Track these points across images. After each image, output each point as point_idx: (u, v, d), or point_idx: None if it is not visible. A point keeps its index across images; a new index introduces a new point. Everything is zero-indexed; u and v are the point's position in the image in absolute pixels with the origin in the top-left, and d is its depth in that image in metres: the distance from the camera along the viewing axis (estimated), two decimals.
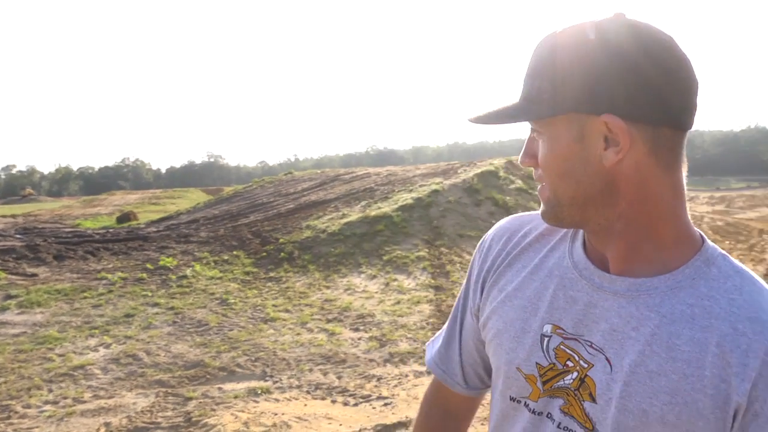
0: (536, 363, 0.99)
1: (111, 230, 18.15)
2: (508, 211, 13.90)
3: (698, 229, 0.96)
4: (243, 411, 5.17)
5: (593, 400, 0.92)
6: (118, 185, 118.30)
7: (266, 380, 5.95)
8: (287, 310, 8.51)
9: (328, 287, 9.86)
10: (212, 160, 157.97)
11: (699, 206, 29.15)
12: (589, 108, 0.87)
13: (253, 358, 6.52)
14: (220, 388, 5.75)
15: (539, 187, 0.97)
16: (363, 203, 14.97)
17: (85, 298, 9.09)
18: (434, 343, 1.28)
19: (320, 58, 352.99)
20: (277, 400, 5.45)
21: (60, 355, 6.67)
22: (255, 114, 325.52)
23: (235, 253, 11.92)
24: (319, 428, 4.87)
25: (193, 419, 5.02)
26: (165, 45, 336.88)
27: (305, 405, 5.34)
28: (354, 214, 13.91)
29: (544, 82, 0.89)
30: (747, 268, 0.94)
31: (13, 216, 30.13)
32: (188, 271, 10.53)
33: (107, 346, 6.98)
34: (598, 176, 0.89)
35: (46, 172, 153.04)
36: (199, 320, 7.98)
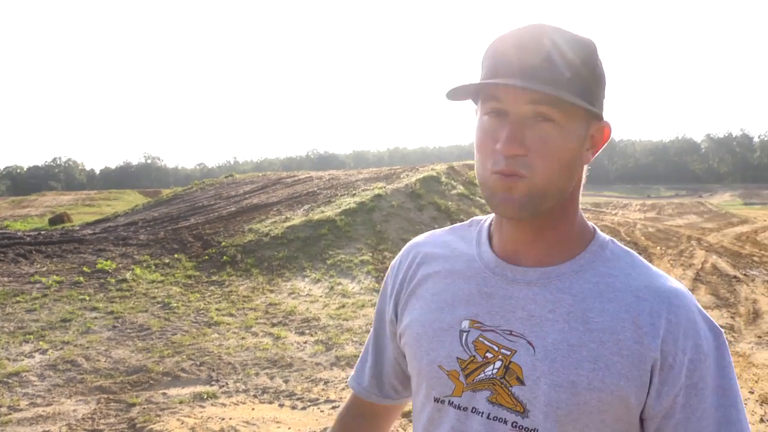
0: (457, 358, 1.02)
1: (43, 232, 17.51)
2: (450, 216, 14.11)
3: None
4: (189, 416, 5.10)
5: (521, 383, 0.96)
6: (48, 186, 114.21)
7: (212, 385, 5.88)
8: (231, 314, 8.42)
9: (272, 291, 9.79)
10: (149, 161, 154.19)
11: (632, 213, 30.24)
12: (600, 111, 0.99)
13: (198, 363, 6.43)
14: (164, 394, 5.65)
15: (502, 179, 0.93)
16: (306, 207, 14.92)
17: (18, 302, 8.76)
18: (354, 374, 1.33)
19: (259, 60, 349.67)
20: (224, 405, 5.39)
21: None
22: (193, 115, 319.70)
23: (176, 256, 11.71)
24: None
25: (138, 425, 4.92)
26: (102, 41, 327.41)
27: (253, 409, 5.30)
28: (297, 217, 13.85)
29: (577, 74, 0.93)
30: (634, 252, 1.05)
31: None
32: (128, 275, 10.28)
33: (43, 352, 6.76)
34: (580, 173, 1.01)
35: None
36: (140, 324, 7.81)
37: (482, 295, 1.04)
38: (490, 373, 0.99)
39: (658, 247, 15.77)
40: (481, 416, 0.99)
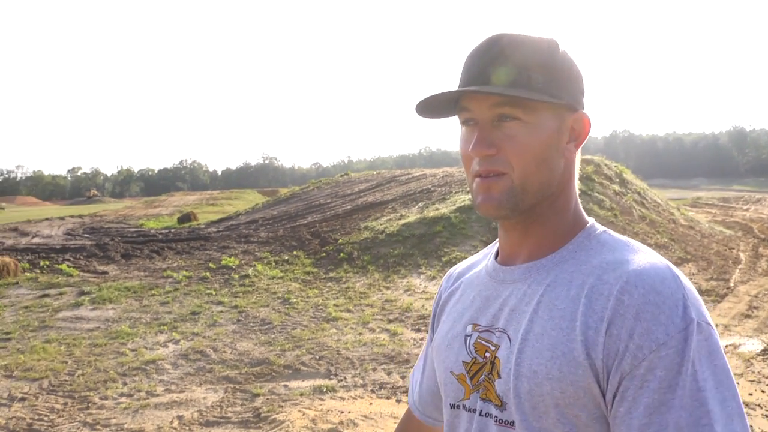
0: (462, 361, 1.05)
1: (173, 230, 18.64)
2: None
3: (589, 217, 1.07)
4: (310, 408, 5.25)
5: (499, 376, 0.97)
6: (176, 186, 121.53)
7: (331, 379, 6.03)
8: (348, 310, 8.60)
9: (388, 288, 9.91)
10: (267, 161, 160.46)
11: (766, 209, 28.05)
12: (574, 102, 1.00)
13: (317, 357, 6.61)
14: (285, 386, 5.85)
15: (482, 180, 0.98)
16: (420, 204, 14.98)
17: (153, 295, 9.37)
18: (414, 371, 1.37)
19: (372, 58, 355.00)
20: (342, 399, 5.51)
21: (132, 350, 6.90)
22: (308, 116, 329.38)
23: (294, 253, 12.10)
24: (386, 427, 4.90)
25: (262, 415, 5.12)
26: (220, 49, 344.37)
27: (371, 404, 5.39)
28: (412, 215, 13.94)
29: (535, 72, 0.96)
30: (633, 240, 1.00)
31: (80, 216, 31.25)
32: (250, 271, 10.74)
33: (176, 342, 7.19)
34: (562, 167, 1.01)
35: (108, 174, 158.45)
36: (262, 319, 8.13)
37: (481, 300, 1.07)
38: (486, 370, 1.01)
39: None
40: (480, 414, 1.01)
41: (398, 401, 5.46)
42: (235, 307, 8.73)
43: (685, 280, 0.91)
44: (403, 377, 6.04)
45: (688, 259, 12.67)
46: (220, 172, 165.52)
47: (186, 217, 25.69)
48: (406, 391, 5.67)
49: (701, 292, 9.35)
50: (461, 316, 1.10)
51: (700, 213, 23.39)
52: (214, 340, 7.27)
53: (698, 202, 31.34)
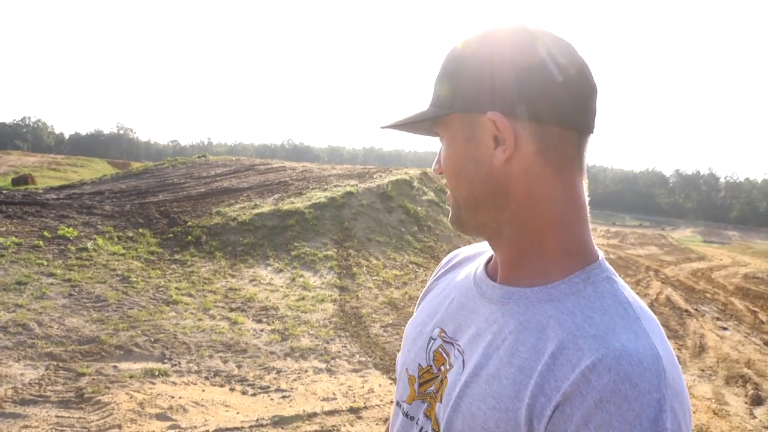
0: (419, 364, 1.00)
1: (5, 192, 17.20)
2: (418, 221, 14.24)
3: (600, 249, 0.93)
4: (139, 391, 5.10)
5: (441, 400, 0.91)
6: (14, 145, 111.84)
7: (164, 362, 5.88)
8: (190, 295, 8.40)
9: (233, 276, 9.78)
10: (122, 131, 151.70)
11: (596, 238, 30.34)
12: (474, 106, 0.88)
13: (152, 339, 6.42)
14: (115, 367, 5.64)
15: (448, 193, 0.98)
16: (276, 196, 14.90)
17: None
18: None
19: (242, 43, 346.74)
20: (174, 384, 5.40)
21: None
22: (170, 90, 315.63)
23: (140, 230, 11.61)
24: (216, 415, 4.87)
25: (86, 396, 4.91)
26: (85, 3, 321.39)
27: (203, 390, 5.32)
28: (266, 205, 13.83)
29: (443, 86, 0.92)
30: (636, 299, 0.87)
31: None
32: (89, 244, 10.17)
33: None
34: (489, 177, 0.89)
35: None
36: (97, 295, 7.75)
37: (458, 306, 0.99)
38: (434, 386, 0.95)
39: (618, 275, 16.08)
40: (418, 428, 0.96)
41: (231, 390, 5.44)
42: (69, 280, 8.23)
43: (674, 379, 0.76)
44: (239, 366, 6.02)
45: None
46: (67, 136, 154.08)
47: (22, 179, 23.81)
48: (240, 381, 5.66)
49: None
50: (434, 314, 1.03)
51: None
52: (40, 313, 6.82)
53: None
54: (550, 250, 0.89)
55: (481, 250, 1.11)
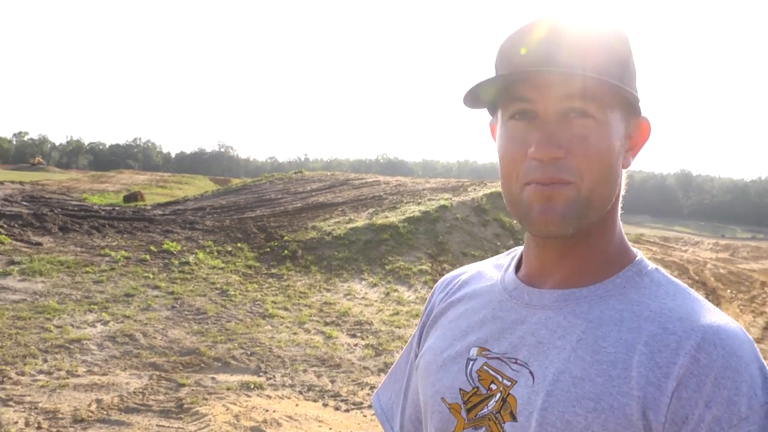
0: (459, 389, 0.89)
1: (117, 208, 18.22)
2: (513, 235, 13.92)
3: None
4: (234, 404, 5.18)
5: (514, 418, 0.82)
6: (126, 164, 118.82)
7: (260, 375, 5.96)
8: (286, 308, 8.52)
9: (328, 290, 9.87)
10: (222, 150, 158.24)
11: (703, 251, 29.11)
12: (637, 107, 0.86)
13: (248, 352, 6.53)
14: (213, 378, 5.76)
15: (542, 188, 0.81)
16: (370, 210, 14.99)
17: (87, 272, 9.11)
18: (380, 394, 1.16)
19: (338, 60, 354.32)
20: (269, 397, 5.45)
21: (57, 327, 6.69)
22: (269, 109, 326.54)
23: (239, 245, 11.95)
24: (309, 430, 4.87)
25: (185, 406, 5.03)
26: (188, 31, 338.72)
27: (297, 405, 5.34)
28: (361, 220, 13.93)
29: (610, 61, 0.82)
30: (686, 285, 0.87)
31: (21, 183, 30.24)
32: (191, 258, 10.55)
33: (105, 323, 7.00)
34: (620, 178, 0.87)
35: (57, 143, 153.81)
36: (197, 308, 7.99)
37: (495, 320, 0.91)
38: (490, 407, 0.86)
39: (729, 291, 15.13)
40: None
41: (325, 405, 5.43)
42: (172, 293, 8.55)
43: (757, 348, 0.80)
44: (332, 381, 6.01)
45: None
46: (173, 155, 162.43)
47: (133, 196, 25.12)
48: (334, 396, 5.64)
49: None
50: (464, 335, 0.94)
51: (642, 249, 23.99)
52: (146, 324, 7.10)
53: (640, 239, 32.15)
54: (613, 250, 0.89)
55: (480, 268, 1.06)
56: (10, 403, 4.82)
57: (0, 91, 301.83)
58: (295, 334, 7.41)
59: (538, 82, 0.80)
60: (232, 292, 8.93)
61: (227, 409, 5.03)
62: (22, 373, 5.41)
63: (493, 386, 0.86)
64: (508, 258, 1.03)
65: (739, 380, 0.73)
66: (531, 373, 0.83)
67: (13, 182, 29.90)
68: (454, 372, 0.91)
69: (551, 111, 0.80)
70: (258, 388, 5.61)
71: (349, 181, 20.98)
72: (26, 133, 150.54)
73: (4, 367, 5.47)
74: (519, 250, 1.02)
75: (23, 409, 4.73)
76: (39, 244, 10.91)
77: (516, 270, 0.96)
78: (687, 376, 0.74)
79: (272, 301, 8.75)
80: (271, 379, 5.90)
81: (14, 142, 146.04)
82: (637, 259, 0.89)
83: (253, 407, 5.15)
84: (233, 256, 11.28)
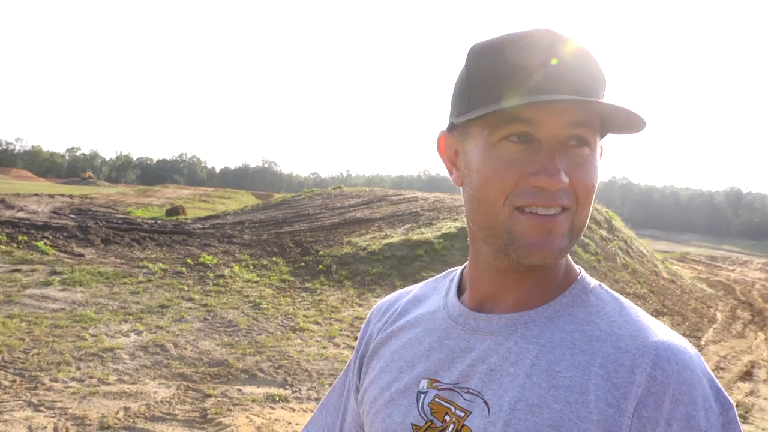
0: (412, 424, 0.87)
1: (159, 221, 18.61)
2: None
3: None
4: (258, 415, 5.22)
5: None
6: (172, 179, 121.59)
7: (286, 388, 5.99)
8: (317, 323, 8.57)
9: (360, 305, 9.89)
10: (266, 165, 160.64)
11: (752, 271, 28.22)
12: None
13: (276, 365, 6.58)
14: (239, 390, 5.81)
15: (549, 219, 0.79)
16: (407, 226, 15.00)
17: (125, 284, 9.32)
18: (310, 428, 1.13)
19: (385, 78, 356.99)
20: (293, 410, 5.48)
21: (93, 336, 6.85)
22: (313, 125, 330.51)
23: (274, 259, 12.08)
24: None
25: (209, 416, 5.08)
26: (233, 51, 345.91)
27: None
28: (396, 236, 13.94)
29: (601, 89, 0.80)
30: (623, 297, 0.86)
31: (71, 196, 31.14)
32: (226, 271, 10.70)
33: (138, 333, 7.14)
34: None
35: (107, 158, 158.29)
36: (229, 320, 8.09)
37: (442, 349, 0.89)
38: None
39: None
40: None
41: None
42: (205, 305, 8.69)
43: None
44: None
45: (664, 312, 12.69)
46: (218, 170, 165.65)
47: (174, 210, 25.64)
48: None
49: None
50: (411, 366, 0.91)
51: (686, 268, 23.47)
52: (177, 335, 7.22)
53: (686, 257, 31.45)
54: (559, 274, 0.87)
55: (417, 293, 1.03)
56: (42, 408, 4.94)
57: (54, 108, 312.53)
58: (324, 348, 7.43)
59: (549, 107, 0.77)
60: (265, 306, 9.02)
61: (250, 421, 5.07)
62: (55, 380, 5.55)
63: (447, 418, 0.84)
64: (446, 281, 1.00)
65: (695, 394, 0.73)
66: (485, 402, 0.81)
67: (63, 195, 30.83)
68: (404, 406, 0.89)
69: (553, 137, 0.78)
70: (283, 401, 5.64)
71: (387, 196, 21.04)
72: (78, 149, 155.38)
73: (38, 374, 5.62)
74: (457, 271, 1.00)
75: (53, 415, 4.85)
76: (81, 255, 11.22)
77: (457, 294, 0.94)
78: (645, 395, 0.73)
79: (304, 315, 8.81)
80: (296, 392, 5.93)
81: (67, 158, 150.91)
82: (580, 276, 0.88)
83: (276, 419, 5.18)
84: (268, 269, 11.41)
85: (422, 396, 0.87)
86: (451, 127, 0.89)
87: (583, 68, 0.78)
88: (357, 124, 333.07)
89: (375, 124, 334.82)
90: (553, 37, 0.79)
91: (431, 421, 0.85)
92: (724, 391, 0.77)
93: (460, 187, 0.90)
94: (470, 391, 0.83)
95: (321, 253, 12.64)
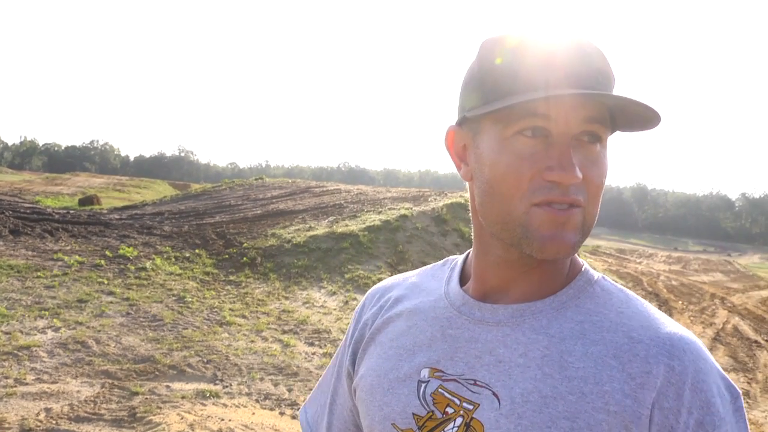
0: (413, 414, 0.85)
1: (72, 211, 17.79)
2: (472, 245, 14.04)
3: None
4: (189, 413, 5.10)
5: None
6: (83, 167, 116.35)
7: (216, 384, 5.89)
8: (244, 316, 8.44)
9: (287, 298, 9.81)
10: (183, 154, 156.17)
11: (657, 264, 29.83)
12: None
13: (204, 360, 6.44)
14: (168, 387, 5.67)
15: (564, 212, 0.79)
16: (331, 218, 14.96)
17: (39, 277, 8.88)
18: (308, 408, 1.13)
19: (301, 67, 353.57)
20: (225, 405, 5.39)
21: (5, 333, 6.50)
22: (230, 114, 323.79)
23: (197, 251, 11.80)
24: None
25: (138, 415, 4.93)
26: (148, 33, 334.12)
27: (253, 413, 5.29)
28: (321, 228, 13.89)
29: (611, 84, 0.81)
30: (625, 287, 0.88)
31: None
32: (148, 264, 10.37)
33: (56, 330, 6.83)
34: None
35: (9, 143, 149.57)
36: (153, 315, 7.86)
37: (445, 339, 0.87)
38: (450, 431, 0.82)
39: (680, 302, 15.51)
40: None
41: (281, 413, 5.39)
42: (127, 299, 8.39)
43: None
44: (289, 390, 5.97)
45: None
46: (132, 159, 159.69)
47: (88, 200, 24.61)
48: (291, 405, 5.61)
49: None
50: (411, 355, 0.89)
51: (597, 261, 24.48)
52: (99, 331, 6.95)
53: (597, 251, 32.80)
54: (565, 266, 0.88)
55: (415, 279, 1.01)
56: None
57: None
58: (252, 342, 7.33)
59: (564, 102, 0.77)
60: (190, 299, 8.81)
61: (182, 418, 4.95)
62: None
63: (449, 410, 0.82)
64: (445, 269, 1.00)
65: (710, 382, 0.75)
66: (495, 394, 0.79)
67: None
68: (404, 395, 0.87)
69: (570, 132, 0.78)
70: (214, 397, 5.53)
71: (310, 188, 20.92)
72: None
73: None
74: (458, 259, 1.00)
75: None
76: None
77: (459, 282, 0.94)
78: (665, 385, 0.74)
79: (230, 309, 8.66)
80: (227, 387, 5.83)
81: None
82: (584, 268, 0.88)
83: (209, 416, 5.08)
84: (191, 262, 11.13)
85: (423, 385, 0.86)
86: (461, 122, 0.88)
87: (596, 65, 0.79)
88: (276, 114, 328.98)
89: (295, 115, 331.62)
90: (565, 33, 0.80)
91: (432, 411, 0.84)
92: (728, 378, 0.78)
93: (467, 182, 0.89)
94: (477, 383, 0.82)
95: (245, 245, 12.44)
